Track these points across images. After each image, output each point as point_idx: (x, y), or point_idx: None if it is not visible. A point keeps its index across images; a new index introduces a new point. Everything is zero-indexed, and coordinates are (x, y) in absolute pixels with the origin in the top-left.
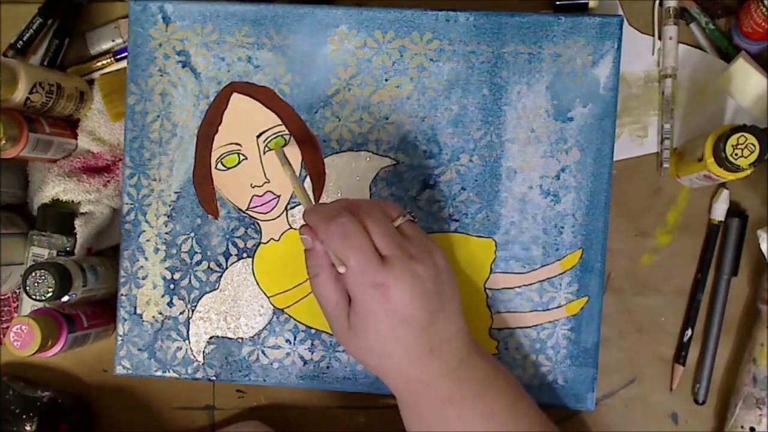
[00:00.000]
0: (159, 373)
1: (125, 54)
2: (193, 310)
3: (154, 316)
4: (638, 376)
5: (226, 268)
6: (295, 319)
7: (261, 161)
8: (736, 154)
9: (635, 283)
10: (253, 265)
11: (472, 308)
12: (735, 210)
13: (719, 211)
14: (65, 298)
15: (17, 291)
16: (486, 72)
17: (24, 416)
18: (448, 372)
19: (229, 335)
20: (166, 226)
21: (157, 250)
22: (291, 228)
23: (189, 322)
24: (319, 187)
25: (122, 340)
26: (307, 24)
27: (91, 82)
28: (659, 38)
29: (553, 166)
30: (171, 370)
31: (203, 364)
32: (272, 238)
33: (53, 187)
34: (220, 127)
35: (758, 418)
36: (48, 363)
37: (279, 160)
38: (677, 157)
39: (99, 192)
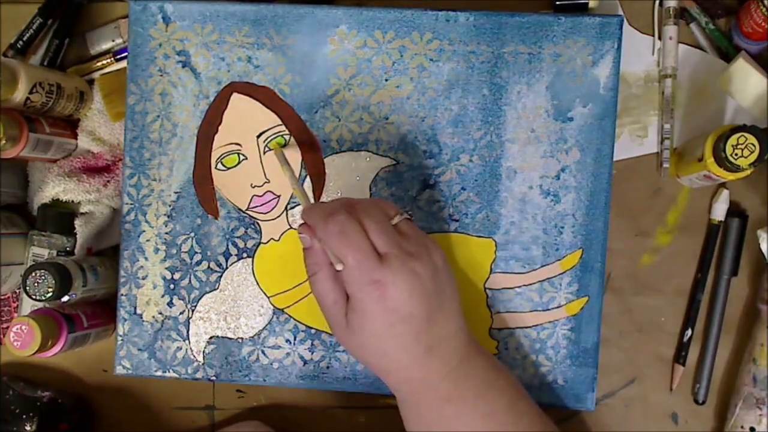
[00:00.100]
0: (159, 373)
1: (125, 54)
2: (193, 310)
3: (154, 316)
4: (638, 376)
5: (226, 268)
6: (295, 319)
7: (261, 161)
8: (736, 154)
9: (635, 283)
10: (253, 265)
11: (472, 308)
12: (735, 210)
13: (719, 211)
14: (65, 298)
15: (17, 291)
16: (486, 72)
17: (24, 416)
18: (447, 371)
19: (229, 335)
20: (166, 226)
21: (157, 250)
22: (291, 228)
23: (189, 322)
24: (319, 187)
25: (122, 340)
26: (307, 24)
27: (91, 82)
28: (659, 38)
29: (553, 166)
30: (171, 370)
31: (203, 364)
32: (272, 238)
33: (53, 187)
34: (220, 127)
35: (758, 418)
36: (48, 363)
37: (278, 160)
38: (677, 157)
39: (99, 192)
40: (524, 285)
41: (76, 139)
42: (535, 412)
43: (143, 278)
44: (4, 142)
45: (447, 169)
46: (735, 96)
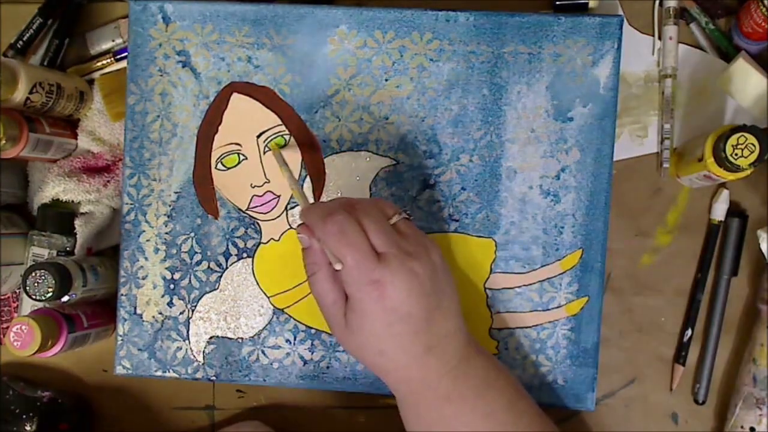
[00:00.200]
0: (159, 373)
1: (125, 54)
2: (193, 310)
3: (154, 316)
4: (638, 376)
5: (226, 268)
6: (295, 319)
7: (261, 161)
8: (736, 154)
9: (635, 283)
10: (253, 265)
11: (472, 308)
12: (735, 210)
13: (719, 211)
14: (65, 298)
15: (17, 291)
16: (486, 72)
17: (24, 416)
18: (446, 371)
19: (229, 335)
20: (166, 226)
21: (157, 250)
22: (291, 228)
23: (189, 322)
24: (318, 187)
25: (122, 340)
26: (307, 24)
27: (91, 82)
28: (659, 38)
29: (553, 166)
30: (171, 370)
31: (203, 364)
32: (272, 238)
33: (53, 187)
34: (220, 127)
35: (758, 418)
36: (48, 363)
37: (276, 161)
38: (677, 157)
39: (99, 192)
40: (524, 285)
41: (76, 139)
42: (534, 411)
43: (143, 278)
44: (4, 142)
45: (447, 169)
46: (735, 96)
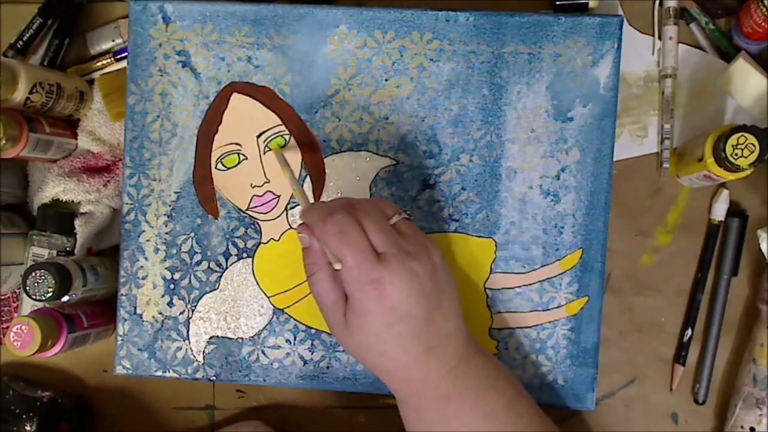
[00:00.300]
0: (159, 373)
1: (125, 54)
2: (193, 310)
3: (154, 316)
4: (638, 376)
5: (226, 268)
6: (295, 319)
7: (261, 161)
8: (736, 154)
9: (635, 283)
10: (253, 265)
11: (472, 308)
12: (735, 210)
13: (719, 211)
14: (65, 298)
15: (17, 291)
16: (486, 72)
17: (24, 416)
18: (446, 371)
19: (229, 335)
20: (166, 226)
21: (157, 250)
22: (291, 228)
23: (189, 322)
24: (319, 187)
25: (122, 340)
26: (307, 24)
27: (91, 82)
28: (659, 38)
29: (553, 166)
30: (171, 370)
31: (203, 364)
32: (272, 238)
33: (53, 187)
34: (220, 127)
35: (758, 418)
36: (48, 363)
37: (278, 162)
38: (677, 157)
39: (99, 192)
40: (524, 285)
41: (76, 139)
42: (535, 411)
43: (143, 278)
44: (4, 142)
45: (447, 169)
46: (735, 96)
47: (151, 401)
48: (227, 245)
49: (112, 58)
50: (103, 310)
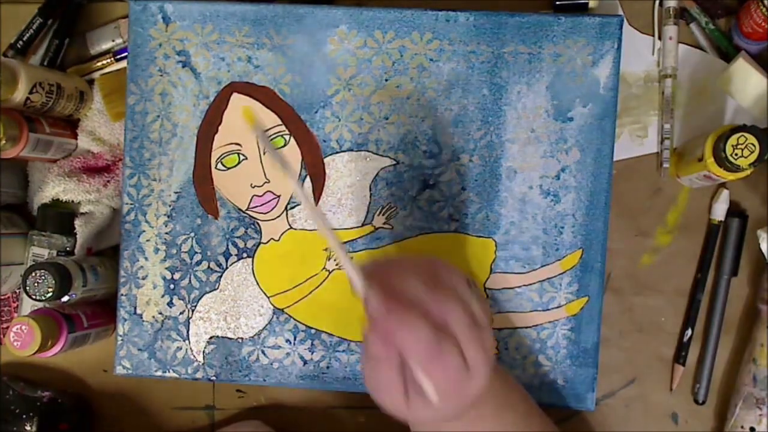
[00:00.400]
0: (159, 373)
1: (125, 54)
2: (193, 310)
3: (154, 316)
4: (638, 376)
5: (226, 268)
6: (295, 319)
7: (261, 161)
8: (736, 154)
9: (635, 283)
10: (253, 265)
11: None
12: (735, 210)
13: (719, 211)
14: (65, 298)
15: (17, 291)
16: (486, 72)
17: (24, 416)
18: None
19: (229, 335)
20: (166, 226)
21: (157, 250)
22: (291, 228)
23: (189, 322)
24: (319, 187)
25: (122, 340)
26: (307, 24)
27: (91, 82)
28: (659, 38)
29: (553, 166)
30: (171, 370)
31: (203, 364)
32: (272, 238)
33: (53, 187)
34: (220, 127)
35: (758, 418)
36: (48, 363)
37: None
38: (677, 157)
39: (99, 192)
40: (524, 285)
41: (76, 139)
42: (544, 420)
43: (143, 278)
44: (4, 142)
45: (447, 169)
46: (735, 96)
47: (151, 401)
48: (227, 245)
49: (112, 58)
50: (103, 310)
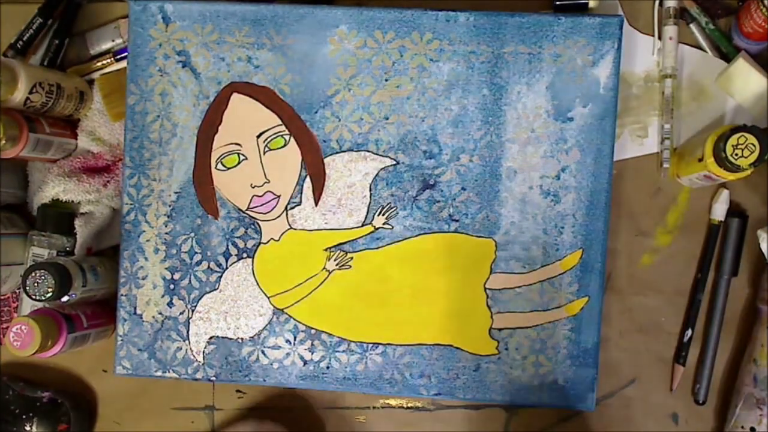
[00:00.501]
0: (159, 374)
1: (125, 54)
2: (193, 310)
3: (154, 316)
4: (638, 376)
5: (226, 268)
6: (295, 320)
7: (261, 161)
8: (736, 154)
9: (635, 283)
10: (253, 265)
11: (472, 308)
12: (735, 210)
13: (719, 211)
14: (65, 298)
15: (17, 291)
16: (486, 72)
17: (24, 416)
18: None
19: (229, 335)
20: (166, 226)
21: (157, 250)
22: (291, 228)
23: (189, 322)
24: (319, 187)
25: (122, 340)
26: (307, 24)
27: (91, 82)
28: (659, 38)
29: (553, 166)
30: (171, 371)
31: (203, 364)
32: (272, 238)
33: (53, 187)
34: (220, 127)
35: (758, 418)
36: (48, 363)
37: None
38: (677, 157)
39: (99, 192)
40: (524, 285)
41: (76, 139)
42: None
43: (143, 278)
44: (4, 142)
45: (447, 169)
46: (735, 96)
47: (150, 401)
48: (227, 245)
49: (112, 58)
50: (103, 310)
